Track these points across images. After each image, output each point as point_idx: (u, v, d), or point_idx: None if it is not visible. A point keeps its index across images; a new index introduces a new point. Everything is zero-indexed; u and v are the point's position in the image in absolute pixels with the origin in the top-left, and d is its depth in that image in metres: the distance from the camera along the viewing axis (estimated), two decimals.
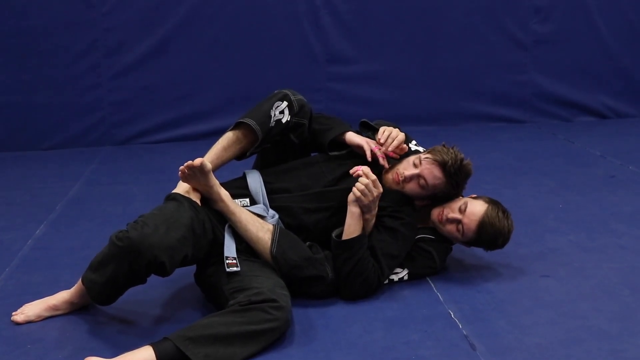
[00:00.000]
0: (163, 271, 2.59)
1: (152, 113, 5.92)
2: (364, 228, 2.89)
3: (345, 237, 2.87)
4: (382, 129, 3.11)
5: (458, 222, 3.03)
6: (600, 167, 5.01)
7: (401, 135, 3.11)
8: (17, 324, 2.75)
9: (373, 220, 2.92)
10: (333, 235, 2.91)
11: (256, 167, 3.26)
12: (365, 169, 2.85)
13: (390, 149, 3.05)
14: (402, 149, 3.12)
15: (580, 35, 6.34)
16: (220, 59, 5.89)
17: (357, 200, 2.83)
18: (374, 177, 2.83)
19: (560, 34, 6.30)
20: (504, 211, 3.07)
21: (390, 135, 3.08)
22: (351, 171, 2.90)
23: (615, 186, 4.52)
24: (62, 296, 2.84)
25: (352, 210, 2.87)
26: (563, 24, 6.29)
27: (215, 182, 2.82)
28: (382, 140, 3.07)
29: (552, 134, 6.02)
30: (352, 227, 2.87)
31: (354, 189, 2.83)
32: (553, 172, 4.86)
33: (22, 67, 5.62)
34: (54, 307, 2.81)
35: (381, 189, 2.85)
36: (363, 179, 2.82)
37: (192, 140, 5.83)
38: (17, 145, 5.72)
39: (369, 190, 2.81)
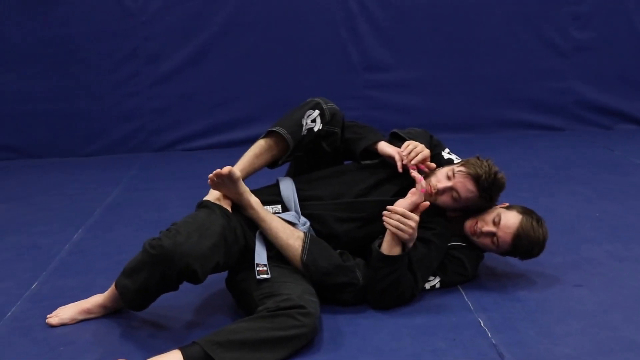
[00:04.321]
0: (195, 279, 2.62)
1: (190, 120, 6.01)
2: (405, 246, 2.87)
3: (386, 250, 2.83)
4: (406, 143, 3.08)
5: (493, 234, 3.01)
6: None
7: (426, 152, 3.06)
8: (52, 326, 2.81)
9: (413, 244, 2.91)
10: (374, 246, 2.88)
11: (289, 174, 3.28)
12: (395, 207, 2.81)
13: (412, 162, 3.00)
14: (429, 166, 3.07)
15: (621, 42, 6.28)
16: (258, 66, 5.95)
17: (396, 234, 2.80)
18: (401, 210, 2.78)
19: (600, 40, 6.25)
20: (538, 220, 3.04)
21: (415, 149, 3.04)
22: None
23: None
24: (96, 300, 2.89)
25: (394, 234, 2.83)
26: (603, 31, 6.23)
27: (245, 189, 2.85)
28: (403, 154, 3.03)
29: (592, 142, 5.96)
30: (394, 241, 2.82)
31: (388, 225, 2.80)
32: (591, 181, 4.81)
33: (64, 74, 5.77)
34: (88, 311, 2.86)
35: (416, 218, 2.78)
36: (389, 220, 2.79)
37: (229, 147, 5.89)
38: (58, 152, 5.87)
39: (404, 224, 2.77)
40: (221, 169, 2.76)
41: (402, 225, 2.77)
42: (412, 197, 2.83)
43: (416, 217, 2.79)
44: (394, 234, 2.81)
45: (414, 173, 2.93)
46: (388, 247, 2.83)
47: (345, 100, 5.78)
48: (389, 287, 2.85)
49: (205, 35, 5.83)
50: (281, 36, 5.93)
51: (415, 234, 2.84)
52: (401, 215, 2.78)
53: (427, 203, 2.84)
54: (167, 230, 2.64)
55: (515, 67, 6.24)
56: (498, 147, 5.70)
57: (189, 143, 6.02)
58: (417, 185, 2.86)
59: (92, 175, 5.29)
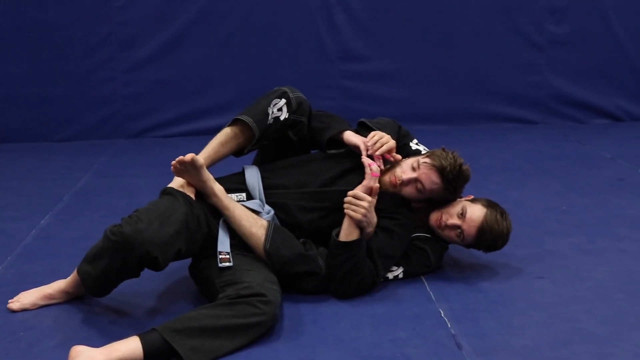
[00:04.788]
0: (156, 266, 2.62)
1: (165, 107, 5.99)
2: (362, 232, 2.90)
3: (343, 237, 2.87)
4: (372, 133, 3.09)
5: (458, 228, 3.03)
6: (609, 169, 4.98)
7: (391, 142, 3.07)
8: (13, 311, 2.80)
9: (372, 230, 2.94)
10: (333, 234, 2.91)
11: (256, 163, 3.28)
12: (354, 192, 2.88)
13: (377, 153, 3.02)
14: (394, 156, 3.08)
15: (596, 37, 6.30)
16: (234, 54, 5.93)
17: (349, 215, 2.86)
18: (353, 192, 2.86)
19: (576, 35, 6.26)
20: (502, 213, 3.06)
21: (380, 140, 3.05)
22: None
23: (622, 189, 4.49)
24: (58, 285, 2.89)
25: (348, 216, 2.88)
26: (579, 25, 6.24)
27: (208, 176, 2.85)
28: (369, 144, 3.04)
29: (564, 136, 5.99)
30: (350, 227, 2.87)
31: (345, 210, 2.87)
32: (561, 174, 4.84)
33: (38, 59, 5.71)
34: (50, 296, 2.86)
35: (369, 199, 2.84)
36: (346, 202, 2.87)
37: (204, 135, 5.76)
38: (31, 137, 5.82)
39: (355, 205, 2.84)
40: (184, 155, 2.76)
41: (353, 206, 2.83)
42: (364, 181, 2.87)
43: (369, 197, 2.84)
44: (350, 220, 2.85)
45: (364, 158, 2.95)
46: (345, 234, 2.87)
47: (320, 90, 5.83)
48: (347, 274, 2.87)
49: (181, 22, 5.80)
50: (257, 24, 5.90)
51: (373, 219, 2.89)
52: (352, 196, 2.83)
53: (378, 186, 2.88)
54: (129, 216, 2.63)
55: (491, 60, 6.24)
56: (472, 139, 5.72)
57: (164, 130, 5.99)
58: (366, 169, 2.89)
59: (64, 161, 5.26)
